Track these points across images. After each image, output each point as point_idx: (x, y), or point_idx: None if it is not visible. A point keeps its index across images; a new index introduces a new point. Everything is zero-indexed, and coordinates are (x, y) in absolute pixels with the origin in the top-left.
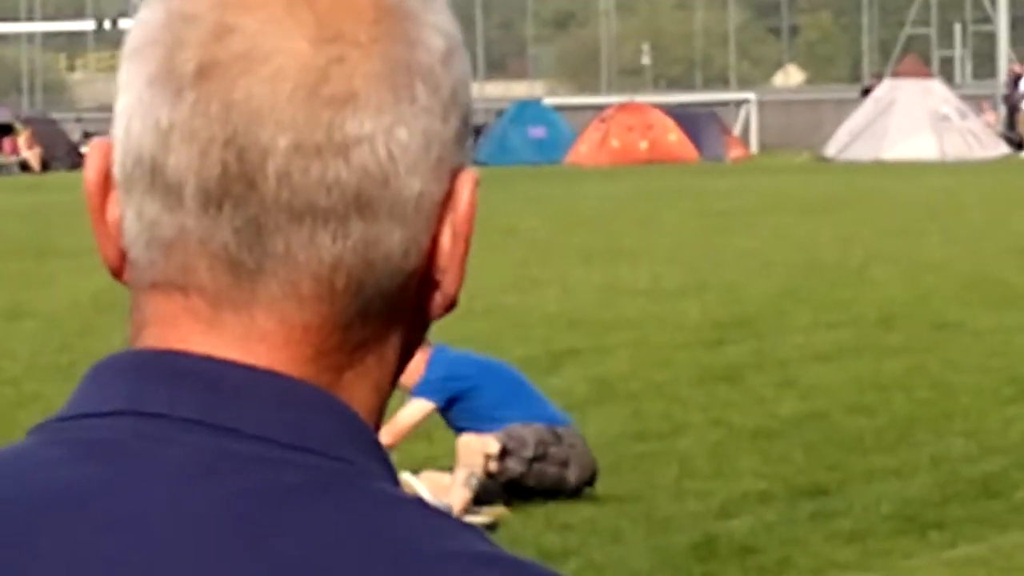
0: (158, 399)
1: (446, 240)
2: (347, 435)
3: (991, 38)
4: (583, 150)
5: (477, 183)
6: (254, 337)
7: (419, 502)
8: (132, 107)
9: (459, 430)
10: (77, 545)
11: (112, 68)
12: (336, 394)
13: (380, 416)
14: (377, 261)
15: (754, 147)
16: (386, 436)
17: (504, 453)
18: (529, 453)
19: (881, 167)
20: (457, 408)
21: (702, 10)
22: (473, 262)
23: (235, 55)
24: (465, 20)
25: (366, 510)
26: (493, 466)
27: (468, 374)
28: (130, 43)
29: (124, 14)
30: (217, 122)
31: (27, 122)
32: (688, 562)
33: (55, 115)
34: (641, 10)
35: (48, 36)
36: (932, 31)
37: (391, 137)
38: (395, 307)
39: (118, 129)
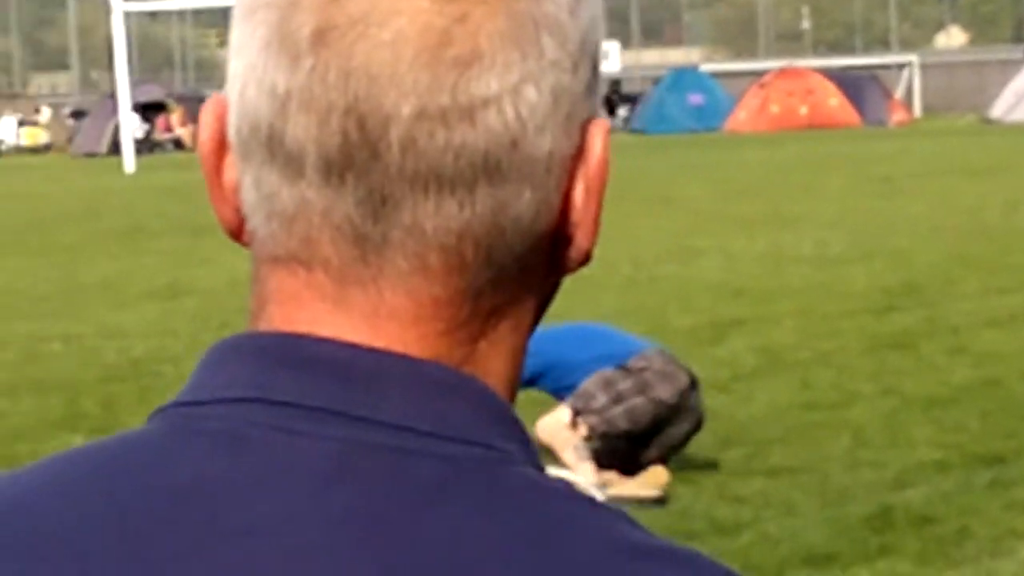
0: (286, 386)
1: (579, 195)
2: (486, 418)
3: None
4: (742, 116)
5: (608, 132)
6: (383, 314)
7: (566, 487)
8: (247, 72)
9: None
10: (202, 549)
11: None
12: (471, 367)
13: (516, 384)
14: (507, 226)
15: (917, 110)
16: None
17: (577, 414)
18: (601, 401)
19: None
20: (541, 384)
21: None
22: (633, 232)
23: (353, 18)
24: None
25: (512, 502)
26: (582, 431)
27: (537, 351)
28: (242, 3)
29: None
30: (336, 89)
31: (180, 100)
32: (864, 533)
33: (207, 92)
34: None
35: (199, 13)
36: None
37: (519, 96)
38: (528, 270)
39: (232, 92)
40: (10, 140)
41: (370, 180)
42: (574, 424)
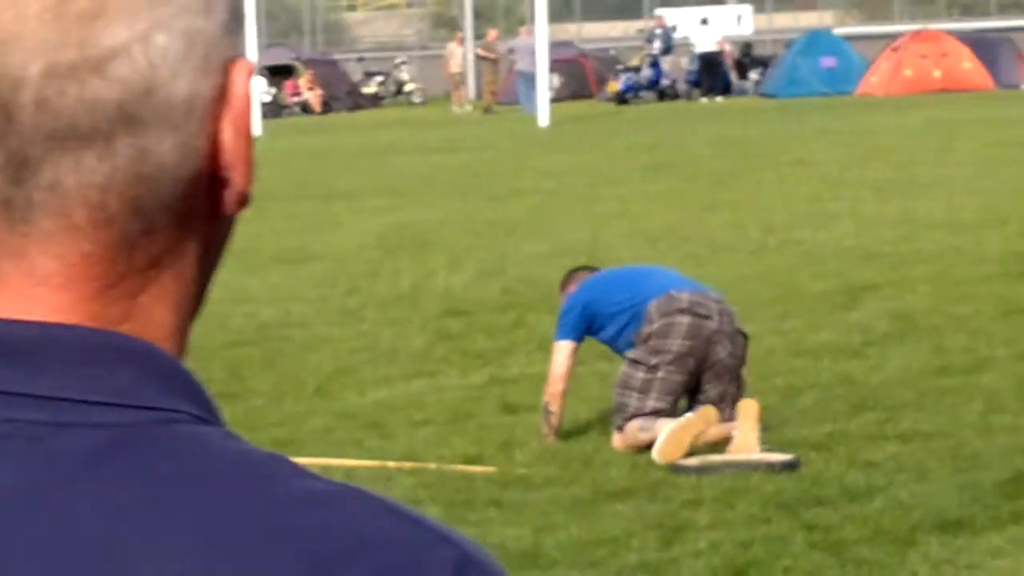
0: None
1: (227, 136)
2: (150, 377)
3: None
4: (875, 80)
5: (251, 72)
6: (36, 282)
7: (231, 441)
8: None
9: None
10: None
11: (392, 6)
12: (133, 324)
13: (186, 333)
14: (151, 173)
15: None
16: (548, 395)
17: (621, 430)
18: (632, 404)
19: None
20: (601, 335)
21: None
22: (765, 196)
23: None
24: None
25: (169, 464)
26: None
27: (586, 299)
28: None
29: None
30: None
31: (308, 63)
32: (997, 499)
33: (335, 55)
34: None
35: None
36: None
37: (148, 44)
38: (183, 216)
39: None
40: None
41: (8, 144)
42: (624, 436)
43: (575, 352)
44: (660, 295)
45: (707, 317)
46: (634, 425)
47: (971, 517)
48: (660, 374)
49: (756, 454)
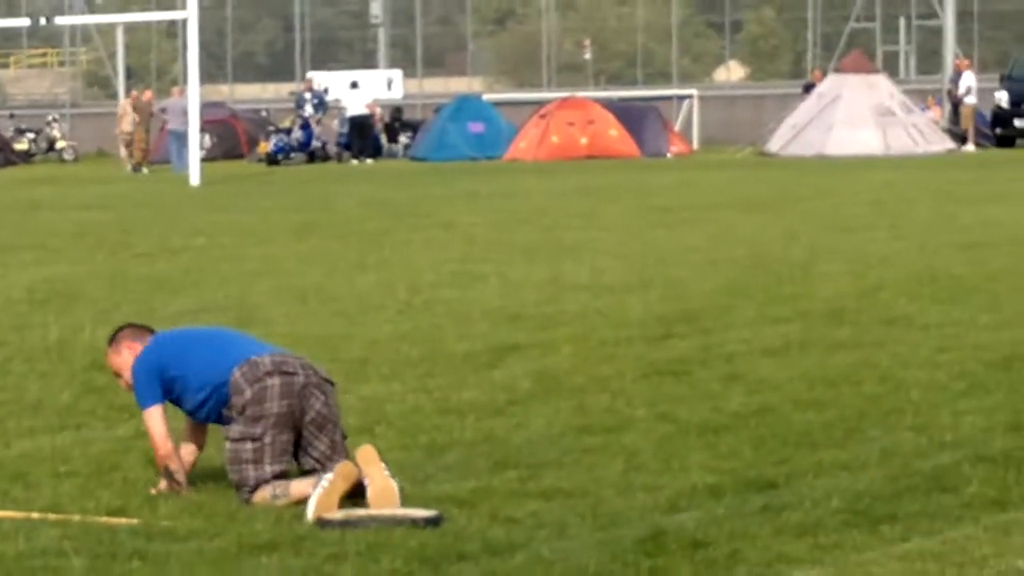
0: None
1: None
2: None
3: (937, 33)
4: (523, 146)
5: None
6: None
7: None
8: None
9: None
10: None
11: (45, 64)
12: None
13: None
14: None
15: (696, 143)
16: (161, 458)
17: (254, 491)
18: (251, 475)
19: (825, 162)
20: (181, 404)
21: (644, 6)
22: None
23: None
24: (404, 16)
25: None
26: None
27: (161, 365)
28: None
29: (59, 11)
30: None
31: None
32: (637, 556)
33: None
34: (582, 6)
35: None
36: (877, 26)
37: None
38: None
39: None
40: None
41: None
42: (255, 495)
43: (165, 411)
44: (241, 363)
45: (294, 373)
46: (265, 495)
47: (610, 573)
48: (267, 439)
49: (400, 509)
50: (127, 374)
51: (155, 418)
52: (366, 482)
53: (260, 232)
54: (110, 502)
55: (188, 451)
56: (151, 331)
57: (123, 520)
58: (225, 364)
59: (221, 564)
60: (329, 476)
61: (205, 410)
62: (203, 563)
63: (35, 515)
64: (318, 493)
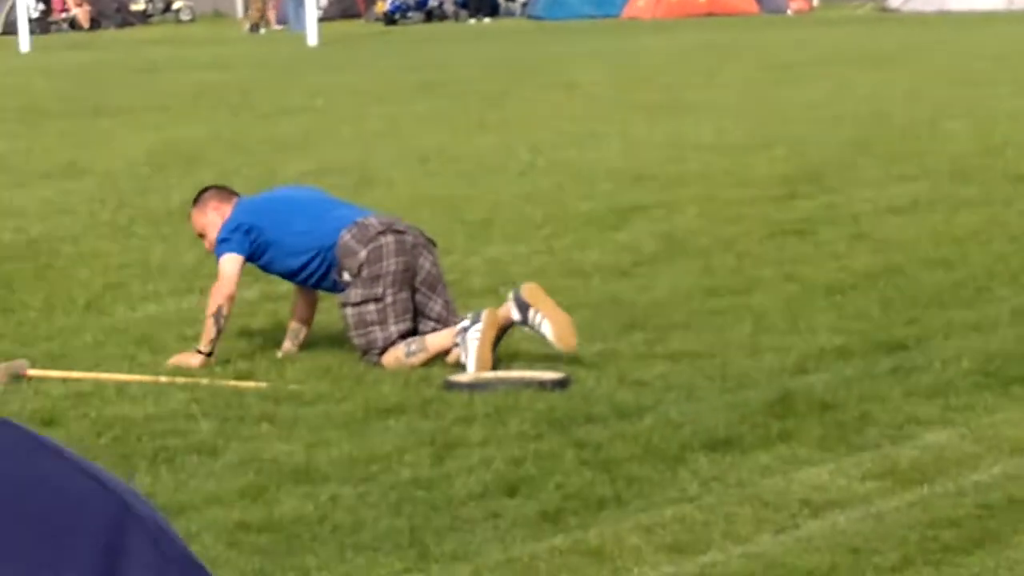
0: None
1: None
2: None
3: None
4: (641, 4)
5: None
6: None
7: None
8: None
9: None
10: None
11: None
12: None
13: None
14: None
15: None
16: (224, 301)
17: (382, 353)
18: (379, 336)
19: (947, 17)
20: (275, 266)
21: None
22: (533, 118)
23: None
24: None
25: None
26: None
27: (257, 224)
28: None
29: None
30: None
31: None
32: (765, 418)
33: None
34: None
35: None
36: None
37: None
38: None
39: None
40: None
41: None
42: (393, 367)
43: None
44: (348, 225)
45: (404, 232)
46: (398, 353)
47: (739, 436)
48: (389, 299)
49: (527, 371)
50: (213, 234)
51: (234, 262)
52: (544, 320)
53: (379, 92)
54: (238, 365)
55: (297, 327)
56: (236, 194)
57: (251, 383)
58: (329, 227)
59: (349, 427)
60: (479, 327)
61: (306, 273)
62: (331, 426)
63: (163, 379)
64: (475, 348)
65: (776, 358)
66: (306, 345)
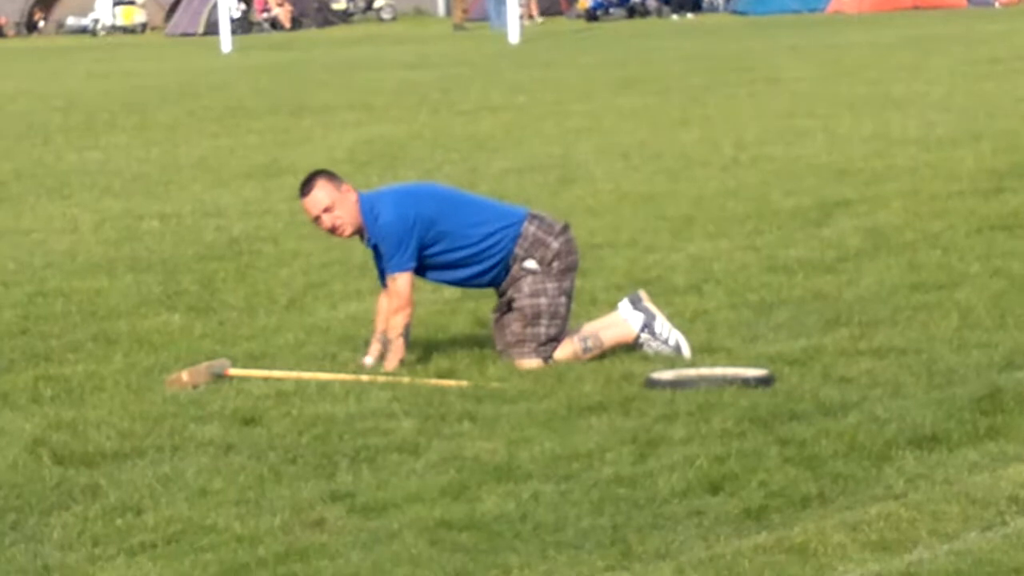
0: None
1: None
2: None
3: None
4: None
5: None
6: None
7: None
8: None
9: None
10: None
11: None
12: None
13: None
14: None
15: None
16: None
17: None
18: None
19: None
20: (436, 254)
21: None
22: (737, 112)
23: None
24: None
25: None
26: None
27: (430, 217)
28: None
29: None
30: None
31: None
32: (973, 415)
33: None
34: None
35: None
36: None
37: None
38: None
39: None
40: (106, 20)
41: None
42: (559, 352)
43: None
44: (529, 218)
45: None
46: (575, 348)
47: (946, 432)
48: (572, 293)
49: (731, 369)
50: (350, 215)
51: (408, 279)
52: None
53: (581, 89)
54: (439, 364)
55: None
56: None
57: (453, 382)
58: (506, 218)
59: (551, 425)
60: (661, 318)
61: (479, 267)
62: (533, 424)
63: (364, 377)
64: (677, 333)
65: (983, 354)
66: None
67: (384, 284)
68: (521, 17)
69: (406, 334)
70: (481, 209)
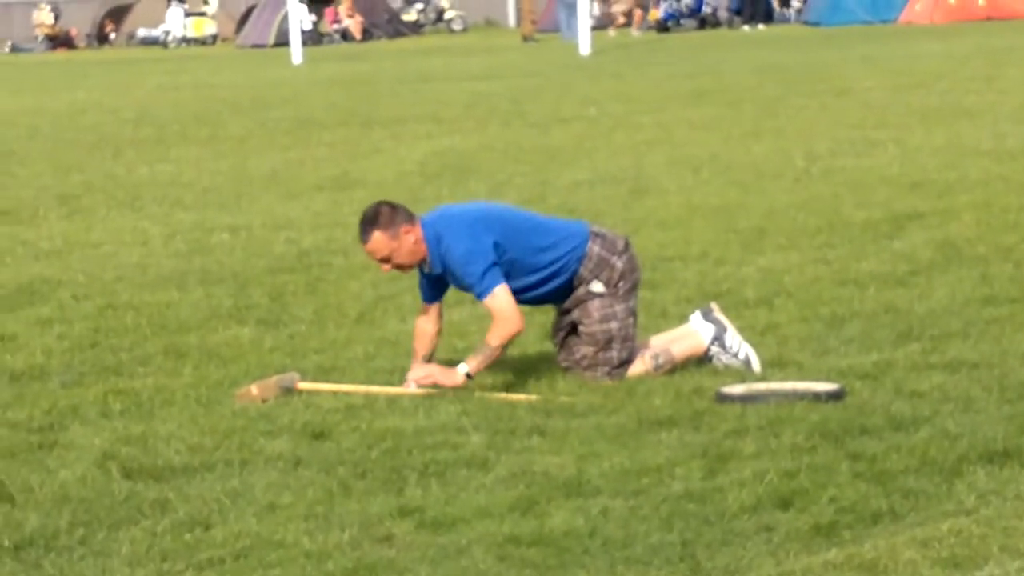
0: None
1: None
2: None
3: None
4: (918, 8)
5: None
6: None
7: None
8: None
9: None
10: None
11: None
12: None
13: None
14: None
15: None
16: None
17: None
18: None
19: None
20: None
21: None
22: (808, 124)
23: None
24: None
25: None
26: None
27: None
28: None
29: None
30: None
31: None
32: None
33: None
34: None
35: None
36: None
37: None
38: None
39: None
40: (177, 31)
41: None
42: (632, 369)
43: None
44: (592, 237)
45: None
46: (647, 366)
47: (1019, 448)
48: (637, 312)
49: (801, 383)
50: (411, 256)
51: (508, 293)
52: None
53: (652, 100)
54: (508, 378)
55: (428, 354)
56: (410, 211)
57: (522, 396)
58: (571, 240)
59: (621, 439)
60: (731, 332)
61: (544, 289)
62: (602, 439)
63: (434, 391)
64: (748, 346)
65: None
66: None
67: (428, 300)
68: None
69: (504, 349)
70: (546, 233)
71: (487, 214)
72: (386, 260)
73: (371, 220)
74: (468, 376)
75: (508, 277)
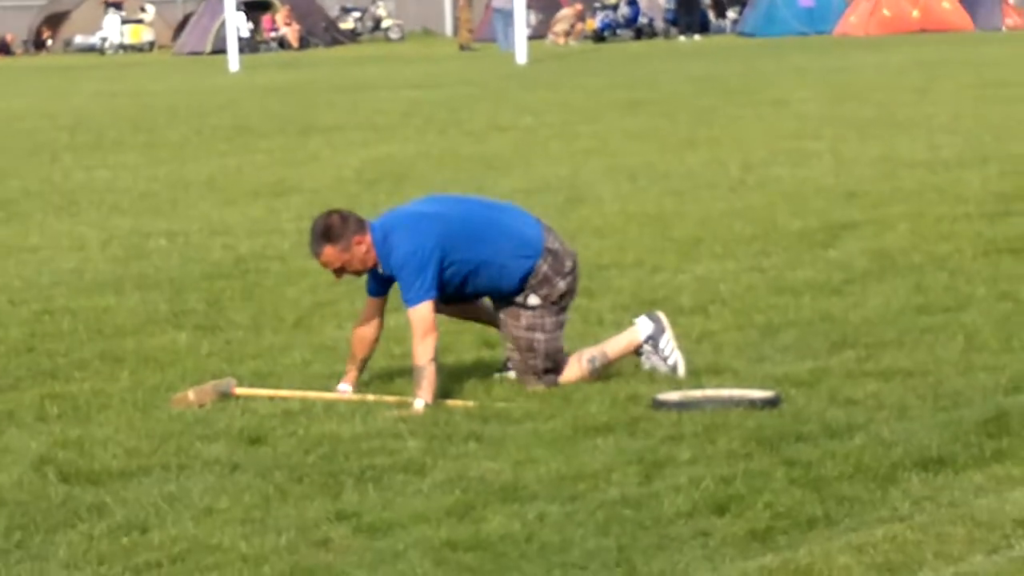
0: None
1: None
2: None
3: None
4: (853, 20)
5: None
6: None
7: None
8: None
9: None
10: None
11: None
12: None
13: None
14: None
15: None
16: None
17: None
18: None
19: None
20: (474, 284)
21: None
22: (744, 134)
23: None
24: None
25: None
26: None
27: (442, 248)
28: None
29: None
30: None
31: None
32: (979, 438)
33: None
34: None
35: None
36: None
37: None
38: None
39: None
40: (114, 38)
41: None
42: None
43: None
44: (543, 254)
45: (575, 254)
46: (583, 369)
47: (952, 455)
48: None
49: (737, 390)
50: (363, 263)
51: (430, 309)
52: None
53: (588, 110)
54: (445, 384)
55: (365, 357)
56: (360, 218)
57: (458, 402)
58: (522, 251)
59: (557, 445)
60: (668, 334)
61: (481, 291)
62: (539, 444)
63: (370, 397)
64: (679, 353)
65: (989, 377)
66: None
67: (373, 293)
68: (557, 36)
69: (436, 362)
70: (496, 245)
71: (436, 213)
72: (339, 271)
73: (322, 234)
74: (429, 403)
75: (447, 273)
